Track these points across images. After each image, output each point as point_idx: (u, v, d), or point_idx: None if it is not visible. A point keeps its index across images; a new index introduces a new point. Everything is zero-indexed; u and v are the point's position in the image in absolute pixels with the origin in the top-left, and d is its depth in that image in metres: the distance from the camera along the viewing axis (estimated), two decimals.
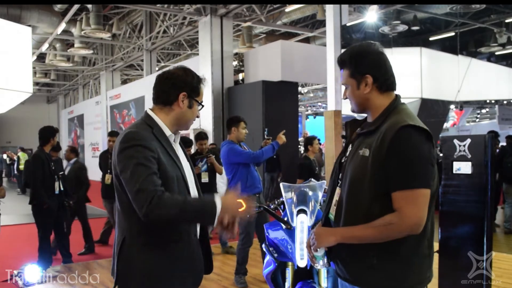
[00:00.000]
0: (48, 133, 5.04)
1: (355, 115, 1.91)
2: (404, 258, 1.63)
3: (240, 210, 1.74)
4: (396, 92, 1.81)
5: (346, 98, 1.82)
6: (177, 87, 1.81)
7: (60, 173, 5.25)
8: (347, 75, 1.77)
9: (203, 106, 1.91)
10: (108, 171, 5.66)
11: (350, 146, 1.83)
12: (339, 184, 1.81)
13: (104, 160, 5.86)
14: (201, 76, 1.91)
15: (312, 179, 3.76)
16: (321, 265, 1.78)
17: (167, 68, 2.01)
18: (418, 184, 1.56)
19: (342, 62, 1.80)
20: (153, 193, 1.59)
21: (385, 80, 1.75)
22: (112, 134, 5.93)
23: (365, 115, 1.86)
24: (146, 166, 1.64)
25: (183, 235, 1.78)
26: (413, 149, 1.57)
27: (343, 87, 1.85)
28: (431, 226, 1.69)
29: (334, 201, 1.82)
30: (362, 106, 1.78)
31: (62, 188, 5.22)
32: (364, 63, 1.73)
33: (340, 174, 1.81)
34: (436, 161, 1.65)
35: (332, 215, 1.82)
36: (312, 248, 1.74)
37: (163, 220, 1.65)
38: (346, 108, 9.35)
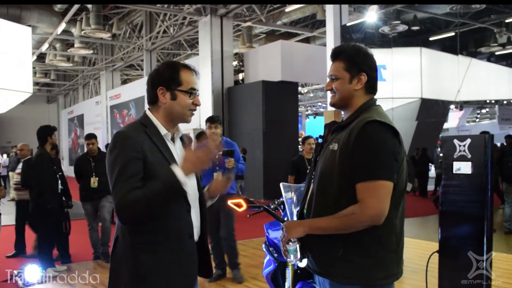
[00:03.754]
0: (45, 132, 5.01)
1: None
2: (369, 251, 1.67)
3: (201, 157, 1.69)
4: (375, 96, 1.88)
5: (330, 89, 1.84)
6: (154, 85, 1.81)
7: (59, 173, 5.24)
8: (342, 67, 1.79)
9: (191, 93, 1.80)
10: (93, 174, 5.60)
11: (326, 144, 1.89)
12: (313, 180, 1.87)
13: (86, 164, 5.69)
14: (183, 63, 1.85)
15: None
16: (292, 259, 1.81)
17: None
18: (380, 176, 1.61)
19: (339, 53, 1.82)
20: (121, 201, 1.63)
21: (374, 83, 1.82)
22: (89, 137, 5.79)
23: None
24: (123, 172, 1.65)
25: (171, 237, 1.76)
26: (376, 143, 1.64)
27: (327, 79, 1.87)
28: (400, 223, 1.73)
29: (308, 196, 1.88)
30: (345, 101, 1.82)
31: (62, 188, 5.22)
32: (364, 61, 1.79)
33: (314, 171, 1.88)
34: (402, 157, 1.69)
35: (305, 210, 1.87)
36: (283, 240, 1.78)
37: (139, 219, 1.68)
38: None
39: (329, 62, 1.89)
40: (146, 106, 1.89)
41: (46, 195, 4.90)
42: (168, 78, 1.79)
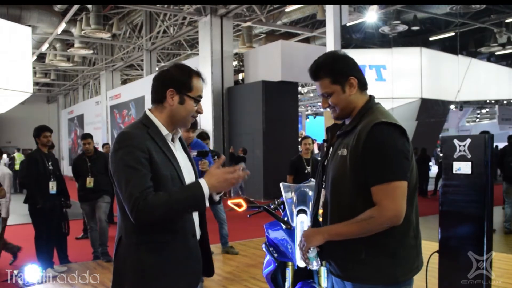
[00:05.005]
0: (33, 133, 5.05)
1: None
2: (391, 251, 1.69)
3: (229, 179, 1.71)
4: (370, 93, 1.87)
5: (327, 107, 1.83)
6: (164, 85, 1.80)
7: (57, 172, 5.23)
8: (328, 82, 1.78)
9: (198, 100, 1.84)
10: (89, 174, 5.60)
11: (331, 149, 1.89)
12: (323, 186, 1.87)
13: (83, 164, 5.70)
14: (195, 69, 1.85)
15: (312, 179, 3.76)
16: (315, 266, 1.82)
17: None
18: (394, 177, 1.63)
19: (317, 72, 1.80)
20: (139, 199, 1.61)
21: (363, 80, 1.82)
22: (85, 137, 5.78)
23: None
24: (135, 169, 1.65)
25: (177, 236, 1.77)
26: (386, 144, 1.64)
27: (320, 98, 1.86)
28: (416, 217, 1.76)
29: (320, 203, 1.88)
30: (348, 109, 1.81)
31: (61, 188, 5.22)
32: (345, 67, 1.78)
33: (324, 176, 1.88)
34: (412, 155, 1.71)
35: (320, 216, 1.88)
36: (303, 249, 1.79)
37: (154, 222, 1.68)
38: None
39: None
40: (146, 106, 1.90)
41: (34, 195, 4.94)
42: (180, 82, 1.79)
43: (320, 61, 1.81)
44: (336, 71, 1.77)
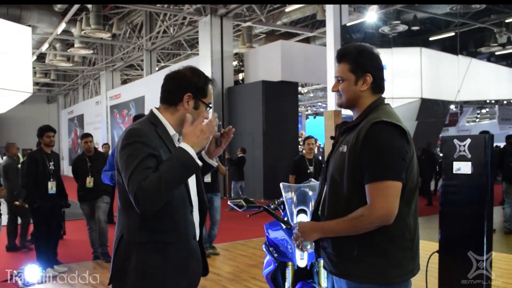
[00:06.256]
0: (37, 133, 5.08)
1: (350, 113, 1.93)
2: (383, 251, 1.68)
3: (204, 129, 1.72)
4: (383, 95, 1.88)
5: (336, 90, 1.85)
6: (182, 88, 1.79)
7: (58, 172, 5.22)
8: (347, 69, 1.79)
9: (210, 107, 1.86)
10: (89, 174, 5.60)
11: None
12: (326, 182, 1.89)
13: (83, 164, 5.68)
14: (210, 77, 1.86)
15: (312, 179, 3.76)
16: (309, 248, 1.85)
17: (169, 68, 1.99)
18: (387, 177, 1.62)
19: (342, 55, 1.82)
20: (137, 190, 1.59)
21: (380, 82, 1.82)
22: (86, 135, 5.79)
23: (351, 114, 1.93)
24: (142, 167, 1.63)
25: (180, 237, 1.77)
26: (383, 143, 1.64)
27: (333, 80, 1.87)
28: (414, 220, 1.74)
29: (322, 199, 1.89)
30: (352, 102, 1.82)
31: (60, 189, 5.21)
32: (369, 62, 1.79)
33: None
34: (411, 156, 1.69)
35: (320, 212, 1.89)
36: (298, 243, 1.81)
37: (159, 205, 1.64)
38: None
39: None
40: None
41: (32, 194, 4.96)
42: (198, 87, 1.80)
43: (350, 47, 1.83)
44: (357, 62, 1.77)
